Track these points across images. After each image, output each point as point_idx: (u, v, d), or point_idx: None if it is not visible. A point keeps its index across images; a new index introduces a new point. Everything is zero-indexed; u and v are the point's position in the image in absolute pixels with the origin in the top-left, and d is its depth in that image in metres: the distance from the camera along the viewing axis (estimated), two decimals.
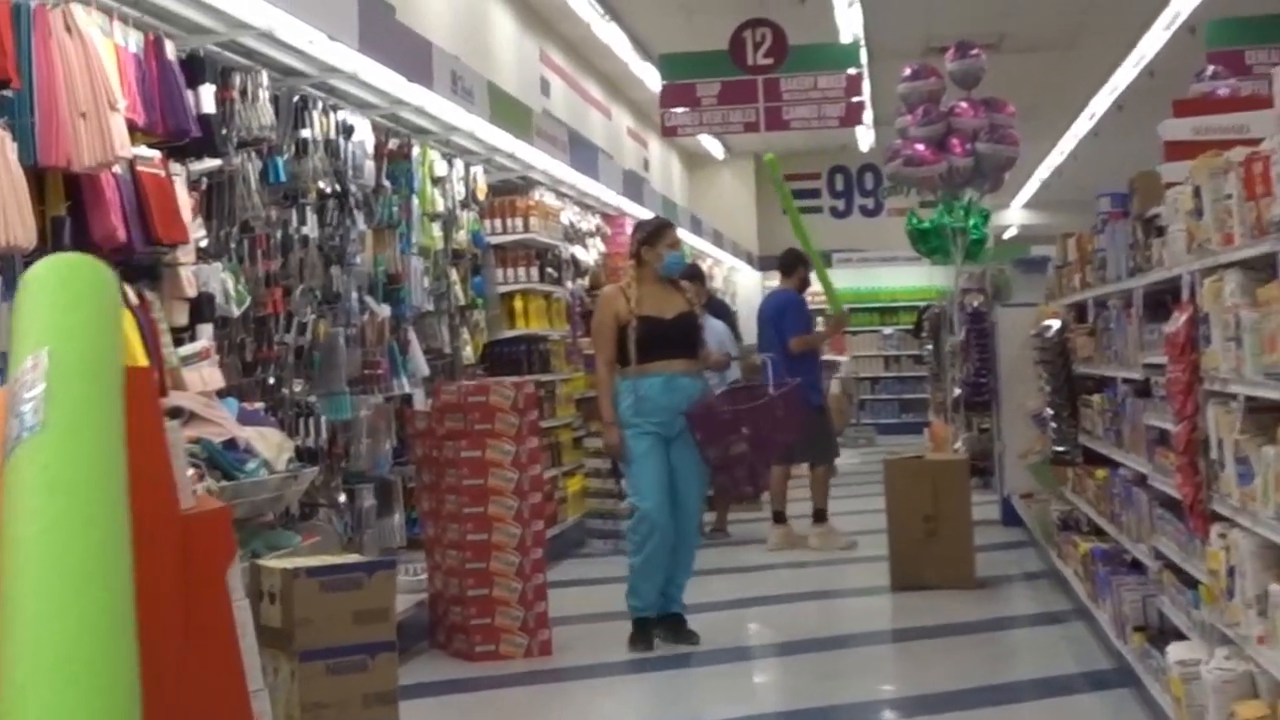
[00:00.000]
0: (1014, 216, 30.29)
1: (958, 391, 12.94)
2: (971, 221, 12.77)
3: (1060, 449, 8.59)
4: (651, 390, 7.57)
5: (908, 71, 12.54)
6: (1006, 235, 29.40)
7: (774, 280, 25.38)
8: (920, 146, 11.93)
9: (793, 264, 11.67)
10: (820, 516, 11.32)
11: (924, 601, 8.87)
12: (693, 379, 7.74)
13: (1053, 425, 8.73)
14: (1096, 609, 7.30)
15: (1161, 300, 5.97)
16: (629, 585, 7.67)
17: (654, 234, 7.89)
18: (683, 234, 18.95)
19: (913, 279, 24.73)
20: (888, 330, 25.65)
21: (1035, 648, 7.94)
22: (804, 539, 11.27)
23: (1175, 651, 5.31)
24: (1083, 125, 21.94)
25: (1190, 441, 5.01)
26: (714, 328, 11.48)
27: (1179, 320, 5.05)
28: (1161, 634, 6.02)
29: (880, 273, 25.60)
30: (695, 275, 12.61)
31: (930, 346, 17.45)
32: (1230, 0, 13.82)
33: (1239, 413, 4.43)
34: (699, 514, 8.19)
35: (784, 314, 11.31)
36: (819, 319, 12.12)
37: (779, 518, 11.36)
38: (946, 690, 6.93)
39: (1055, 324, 8.87)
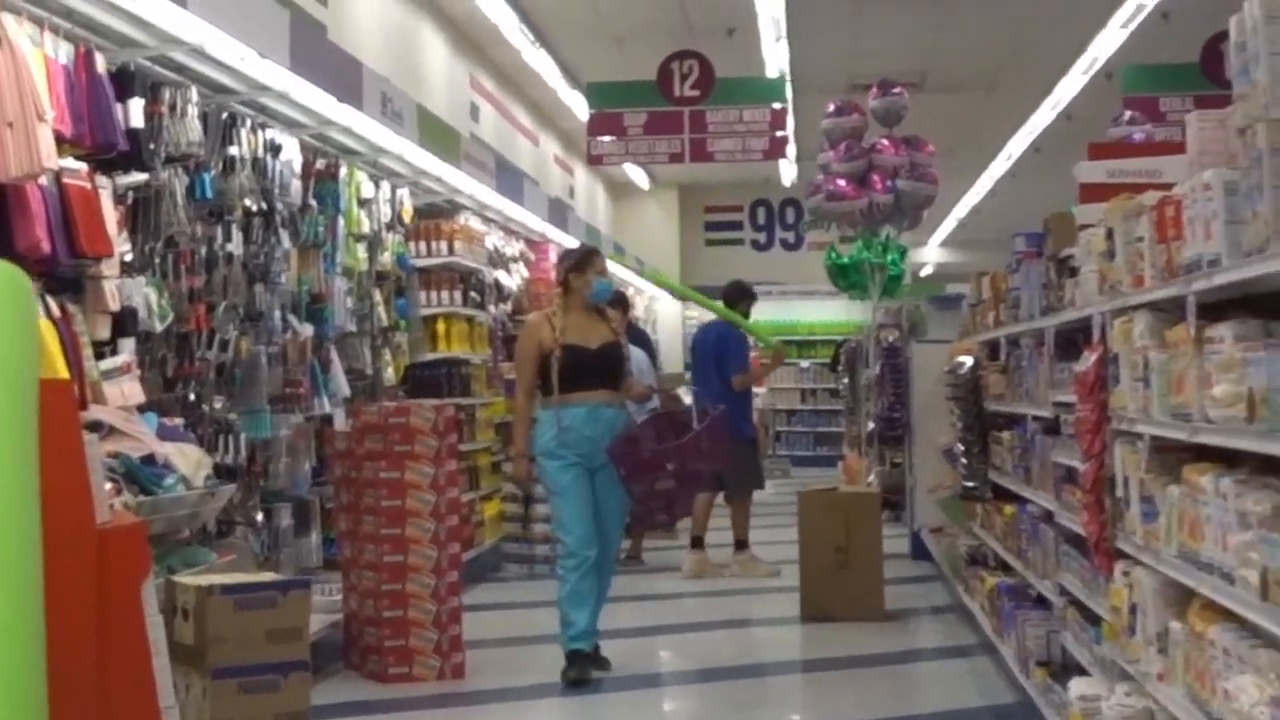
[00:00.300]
0: (931, 255, 30.61)
1: (871, 426, 13.08)
2: (889, 258, 12.92)
3: (970, 484, 8.71)
4: (575, 420, 7.46)
5: (831, 107, 12.68)
6: (923, 273, 29.71)
7: (694, 311, 25.72)
8: (842, 182, 12.07)
9: (737, 297, 11.68)
10: (742, 545, 11.41)
11: (833, 633, 8.97)
12: (616, 410, 7.63)
13: (963, 461, 8.85)
14: (1001, 643, 7.41)
15: (1073, 340, 6.07)
16: (561, 618, 7.54)
17: (582, 261, 7.82)
18: (608, 264, 19.08)
19: (830, 313, 24.92)
20: (805, 364, 25.81)
21: (941, 681, 8.04)
22: (722, 567, 11.36)
23: (1077, 687, 5.41)
24: (1000, 166, 22.22)
25: (1097, 479, 5.12)
26: (635, 357, 11.57)
27: (1089, 360, 5.16)
28: (1064, 669, 6.13)
29: (799, 306, 25.77)
30: (620, 302, 12.70)
31: (846, 381, 17.60)
32: (1146, 47, 14.11)
33: (1145, 452, 4.52)
34: (617, 543, 8.16)
35: (725, 349, 11.37)
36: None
37: (697, 543, 11.43)
38: None
39: (968, 361, 8.99)
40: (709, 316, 19.30)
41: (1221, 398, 3.62)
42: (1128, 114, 11.71)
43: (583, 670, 7.47)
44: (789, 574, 10.11)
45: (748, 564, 11.30)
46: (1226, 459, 3.91)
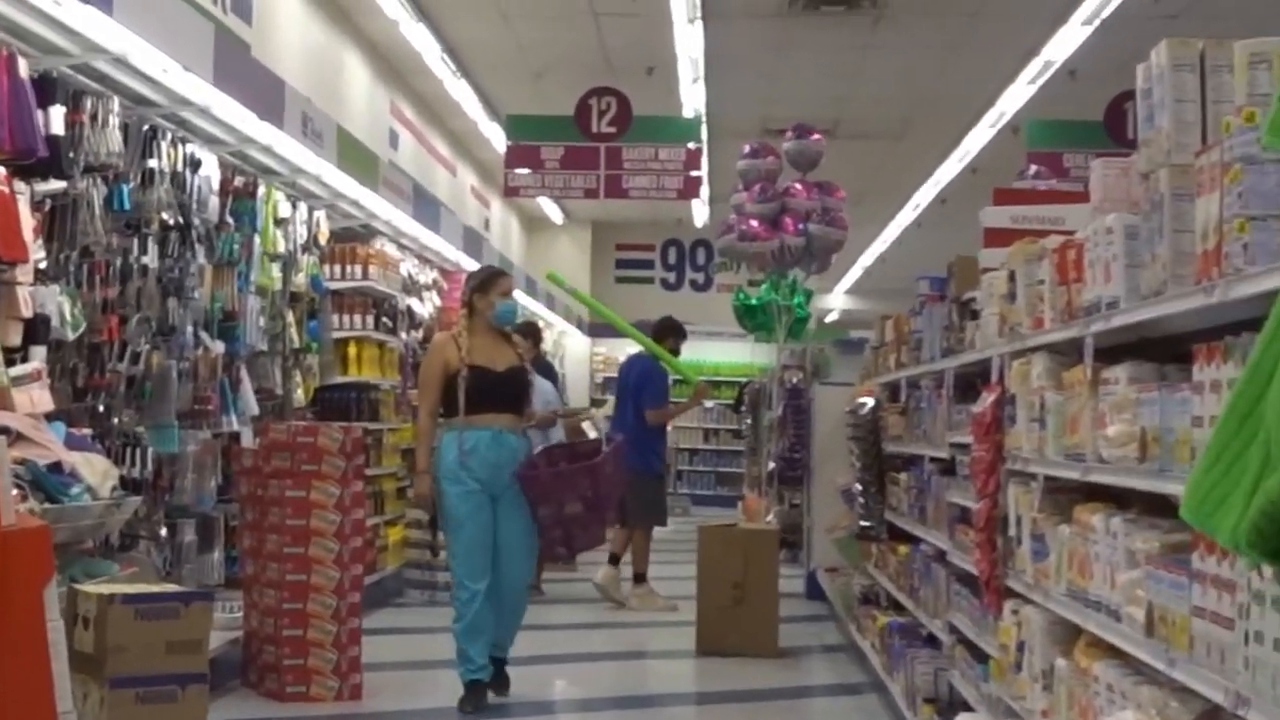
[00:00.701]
0: (836, 300, 30.87)
1: (772, 466, 13.21)
2: (796, 300, 13.09)
3: (866, 524, 8.84)
4: (479, 444, 7.32)
5: (747, 149, 12.85)
6: (828, 318, 29.96)
7: (603, 347, 25.80)
8: (755, 222, 12.22)
9: (664, 333, 11.88)
10: (640, 579, 11.51)
11: (727, 667, 9.06)
12: (519, 436, 7.54)
13: (861, 501, 8.98)
14: (891, 681, 7.53)
15: (971, 383, 6.20)
16: (457, 651, 7.41)
17: (486, 282, 7.66)
18: (519, 295, 19.12)
19: (736, 355, 25.03)
20: (709, 404, 25.92)
21: (830, 717, 8.17)
22: (620, 602, 11.45)
23: None
24: (907, 215, 22.48)
25: (990, 519, 5.25)
26: (542, 387, 11.66)
27: (987, 401, 5.28)
28: (951, 706, 6.26)
29: (706, 347, 25.86)
30: (532, 333, 12.79)
31: (749, 421, 17.73)
32: (1053, 104, 14.41)
33: (1038, 492, 4.65)
34: (527, 572, 7.81)
35: (645, 382, 11.59)
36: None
37: (640, 579, 11.55)
38: None
39: (869, 402, 9.13)
40: (620, 353, 19.45)
41: (1115, 438, 3.74)
42: (1033, 168, 11.96)
43: (478, 701, 7.38)
44: (686, 608, 10.20)
45: (645, 597, 11.39)
46: (1117, 499, 4.04)
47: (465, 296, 7.73)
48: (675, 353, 11.78)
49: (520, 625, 7.76)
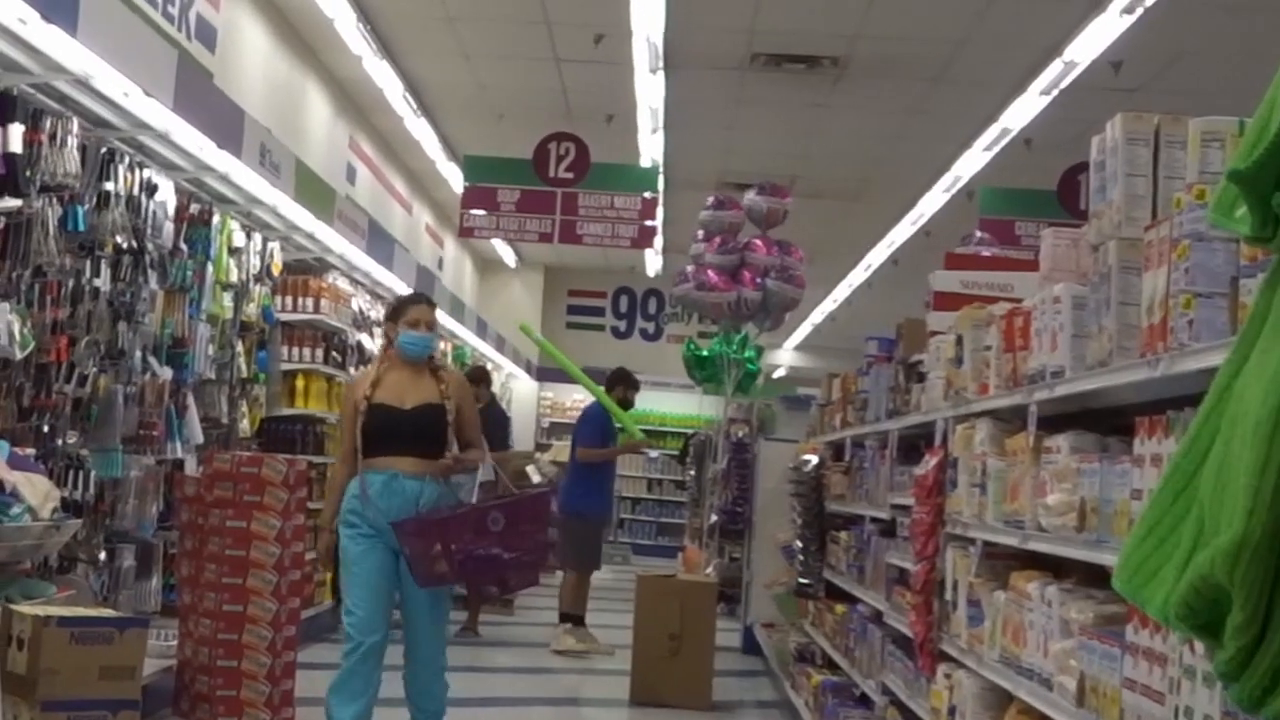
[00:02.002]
0: (785, 357, 30.98)
1: (714, 519, 13.24)
2: (747, 354, 13.15)
3: (804, 581, 8.88)
4: (371, 489, 6.41)
5: (711, 200, 12.93)
6: (776, 374, 30.05)
7: (550, 391, 25.80)
8: (713, 274, 12.29)
9: (614, 382, 12.20)
10: (566, 619, 11.61)
11: (660, 718, 9.07)
12: (423, 481, 6.45)
13: (800, 558, 9.01)
14: None
15: (915, 445, 6.26)
16: (325, 708, 6.46)
17: (396, 310, 6.80)
18: (469, 336, 19.14)
19: (683, 406, 25.15)
20: (653, 454, 25.98)
21: None
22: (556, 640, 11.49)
23: None
24: (859, 275, 22.60)
25: (927, 581, 5.29)
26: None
27: (929, 464, 5.33)
28: None
29: (653, 397, 25.92)
30: (481, 377, 12.80)
31: (693, 473, 17.78)
32: (1008, 171, 14.57)
33: (976, 557, 4.69)
34: (436, 633, 6.65)
35: (583, 424, 11.93)
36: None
37: (567, 619, 11.62)
38: None
39: (813, 459, 9.18)
40: (568, 399, 19.43)
41: (1054, 506, 3.78)
42: (978, 234, 12.09)
43: None
44: (621, 657, 10.21)
45: (565, 637, 11.51)
46: (1054, 568, 4.09)
47: (383, 326, 7.14)
48: (624, 403, 11.89)
49: (443, 702, 6.75)
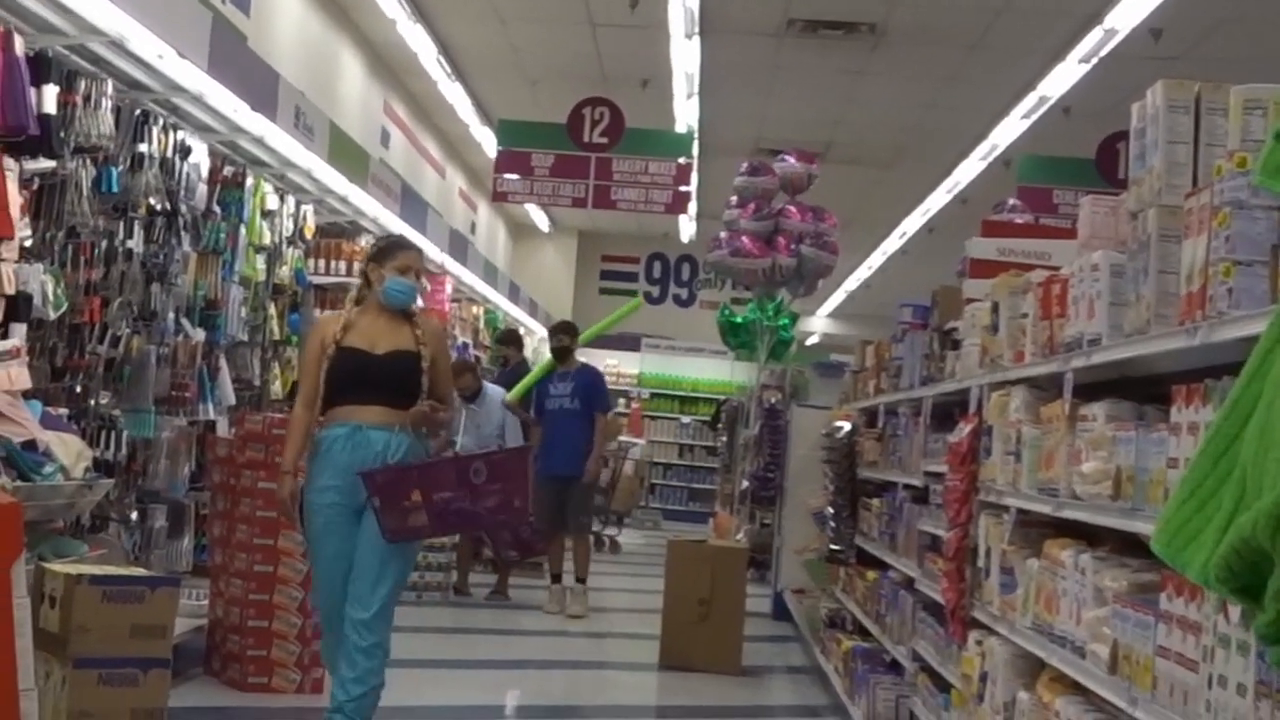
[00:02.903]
0: (818, 324, 30.95)
1: (745, 484, 13.23)
2: (781, 321, 13.12)
3: (836, 548, 8.86)
4: (334, 443, 5.94)
5: (745, 166, 12.89)
6: (809, 341, 30.02)
7: (582, 356, 25.82)
8: (747, 240, 12.25)
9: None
10: (556, 579, 11.65)
11: (689, 682, 9.07)
12: (392, 433, 5.93)
13: (832, 524, 8.99)
14: (852, 705, 7.54)
15: (949, 412, 6.22)
16: (330, 667, 6.21)
17: (383, 251, 6.28)
18: (501, 300, 19.15)
19: (715, 372, 25.14)
20: (686, 419, 26.01)
21: None
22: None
23: None
24: (893, 243, 22.55)
25: (960, 549, 5.26)
26: (491, 394, 11.78)
27: (963, 431, 5.30)
28: None
29: (685, 362, 25.98)
30: (514, 340, 12.79)
31: (725, 439, 17.78)
32: (1045, 139, 14.48)
33: (1010, 524, 4.66)
34: (380, 611, 5.93)
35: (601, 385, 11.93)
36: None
37: (580, 581, 11.55)
38: None
39: (846, 426, 9.15)
40: (600, 363, 19.28)
41: (1089, 475, 3.75)
42: (1011, 201, 12.02)
43: None
44: (650, 622, 10.20)
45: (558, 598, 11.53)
46: (1088, 536, 4.06)
47: (362, 266, 6.49)
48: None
49: (373, 684, 5.91)
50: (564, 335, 12.03)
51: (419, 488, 5.85)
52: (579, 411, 11.44)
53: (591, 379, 11.82)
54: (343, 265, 10.99)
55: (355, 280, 10.91)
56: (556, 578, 11.64)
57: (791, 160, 12.50)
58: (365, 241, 11.62)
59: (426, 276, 14.03)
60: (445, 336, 6.54)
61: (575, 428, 11.36)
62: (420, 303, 13.82)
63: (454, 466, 6.03)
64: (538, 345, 23.22)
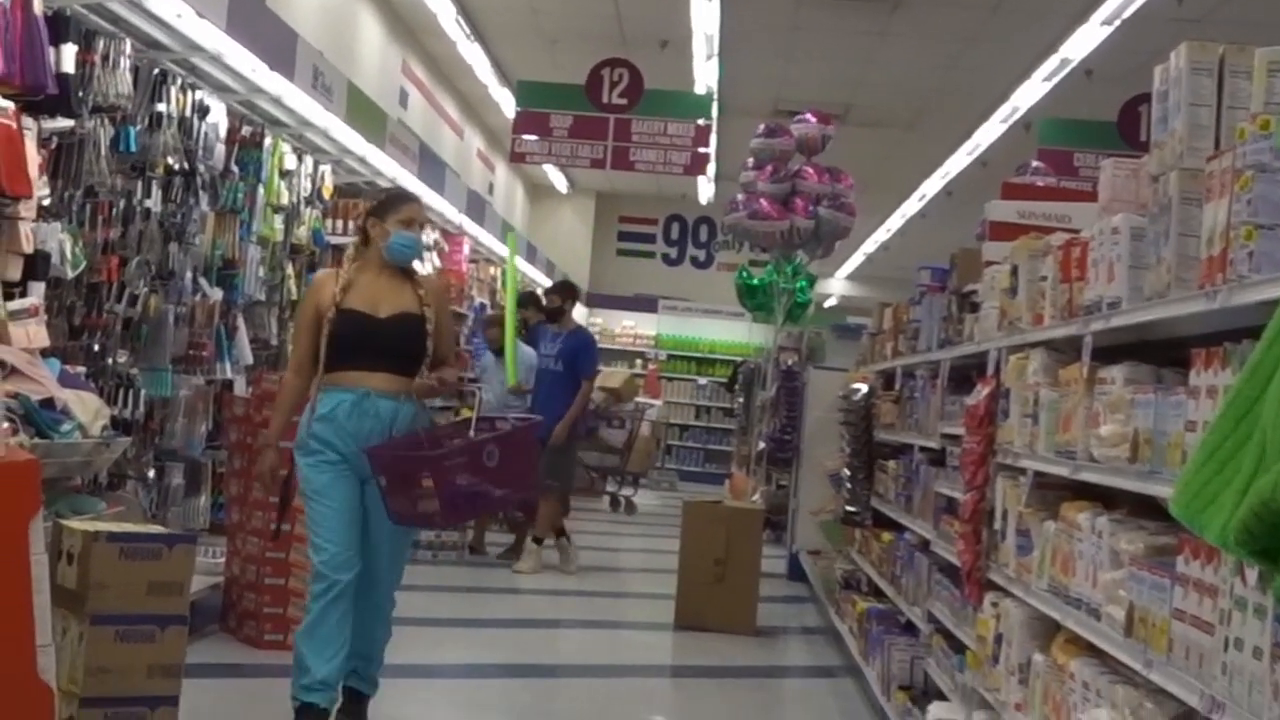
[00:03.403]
0: (836, 287, 30.90)
1: (762, 446, 13.24)
2: (799, 284, 13.08)
3: (852, 509, 8.86)
4: (338, 409, 5.67)
5: (762, 128, 12.81)
6: (827, 304, 29.98)
7: (600, 317, 25.87)
8: (765, 202, 12.20)
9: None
10: (538, 541, 11.50)
11: (704, 643, 9.10)
12: (399, 402, 5.71)
13: (848, 486, 8.99)
14: (866, 666, 7.56)
15: (967, 375, 6.21)
16: (294, 656, 5.74)
17: (386, 204, 5.94)
18: (519, 261, 19.12)
19: (732, 334, 25.13)
20: (702, 381, 26.03)
21: (804, 698, 8.21)
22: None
23: (935, 711, 5.56)
24: (912, 205, 22.47)
25: (976, 511, 5.25)
26: (524, 355, 11.71)
27: (981, 393, 5.28)
28: (925, 694, 6.29)
29: (702, 324, 25.99)
30: (533, 301, 12.77)
31: (741, 400, 17.78)
32: (1067, 102, 14.40)
33: (1027, 487, 4.65)
34: (395, 578, 5.98)
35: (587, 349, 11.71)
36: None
37: (536, 540, 11.48)
38: None
39: (863, 388, 9.14)
40: (617, 325, 19.29)
41: (1107, 437, 3.74)
42: (1034, 164, 11.97)
43: None
44: (665, 582, 10.22)
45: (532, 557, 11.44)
46: (1105, 499, 4.05)
47: (359, 221, 6.05)
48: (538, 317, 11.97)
49: (382, 651, 6.03)
50: (556, 295, 11.98)
51: (433, 475, 5.60)
52: (563, 375, 11.35)
53: (579, 343, 11.66)
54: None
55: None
56: (538, 540, 11.55)
57: (810, 120, 12.43)
58: None
59: (437, 232, 14.08)
60: (447, 293, 6.26)
61: (558, 390, 11.25)
62: (437, 261, 13.90)
63: (467, 453, 5.72)
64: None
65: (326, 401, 5.70)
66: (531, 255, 20.33)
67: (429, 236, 13.64)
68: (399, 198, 6.06)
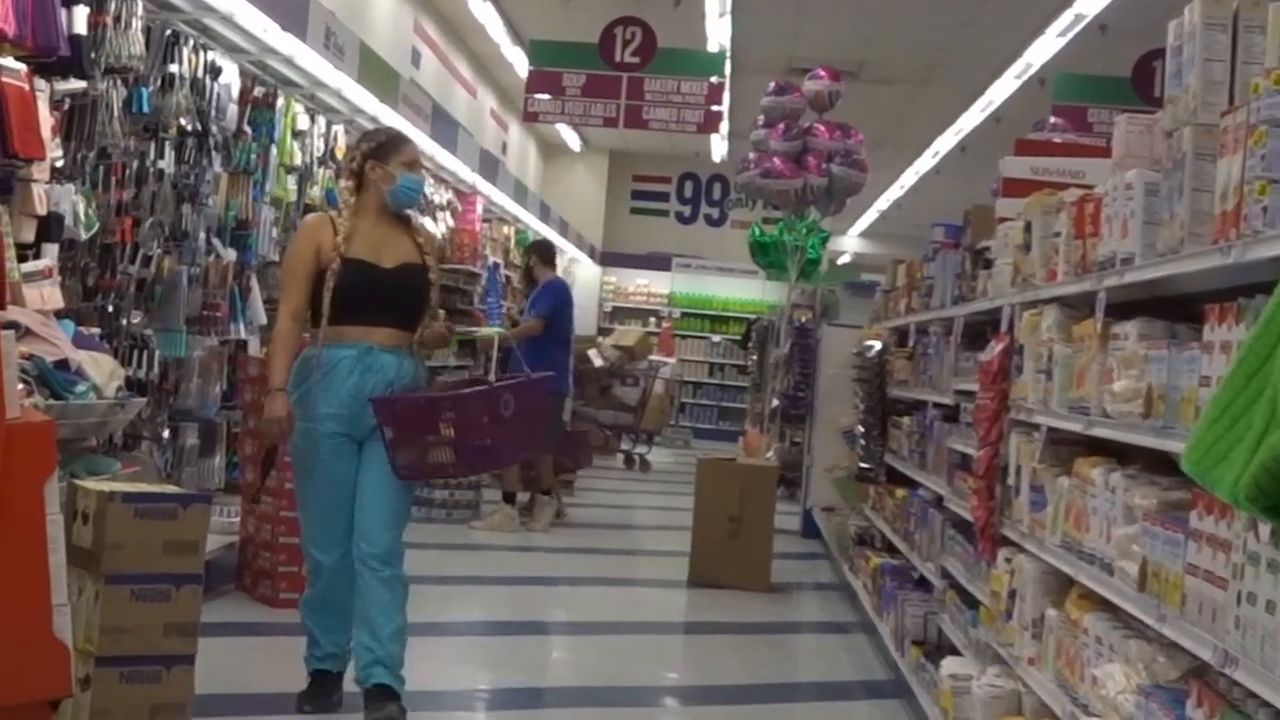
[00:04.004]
0: (849, 244, 30.83)
1: (775, 403, 13.25)
2: (811, 241, 13.06)
3: (865, 466, 8.88)
4: (340, 366, 5.40)
5: (773, 86, 12.78)
6: (840, 261, 29.93)
7: (613, 276, 25.86)
8: (778, 160, 12.17)
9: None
10: (510, 500, 11.32)
11: (718, 599, 9.13)
12: (400, 357, 5.48)
13: (862, 443, 9.01)
14: (880, 622, 7.59)
15: (981, 331, 6.21)
16: (304, 622, 5.75)
17: (386, 146, 5.61)
18: (532, 220, 19.12)
19: (746, 291, 25.14)
20: (716, 338, 26.04)
21: (817, 653, 8.24)
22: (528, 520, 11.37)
23: (949, 665, 5.57)
24: (926, 162, 22.39)
25: (990, 467, 5.26)
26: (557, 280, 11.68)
27: (995, 350, 5.28)
28: (938, 650, 6.30)
29: (716, 281, 25.97)
30: (545, 249, 12.70)
31: (755, 358, 17.79)
32: (1081, 58, 14.32)
33: (1040, 442, 4.66)
34: (394, 544, 5.55)
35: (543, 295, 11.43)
36: None
37: (509, 499, 11.31)
38: (729, 683, 7.20)
39: (877, 345, 9.15)
40: (630, 283, 19.26)
41: (1121, 393, 3.74)
42: (1052, 120, 11.91)
43: (321, 699, 5.69)
44: (680, 540, 10.25)
45: (506, 519, 11.22)
46: (1118, 454, 4.06)
47: (354, 163, 5.65)
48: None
49: (401, 621, 5.51)
50: (530, 254, 11.94)
51: (454, 424, 5.32)
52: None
53: (542, 290, 11.49)
54: None
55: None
56: (546, 491, 11.52)
57: (822, 76, 12.40)
58: None
59: (450, 192, 14.04)
60: (439, 243, 5.93)
61: (532, 345, 11.23)
62: (450, 221, 13.89)
63: (485, 399, 5.49)
64: (568, 265, 23.25)
65: (328, 358, 5.40)
66: (545, 214, 20.30)
67: (442, 196, 13.65)
68: (399, 139, 5.71)
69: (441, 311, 5.64)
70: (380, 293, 5.43)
